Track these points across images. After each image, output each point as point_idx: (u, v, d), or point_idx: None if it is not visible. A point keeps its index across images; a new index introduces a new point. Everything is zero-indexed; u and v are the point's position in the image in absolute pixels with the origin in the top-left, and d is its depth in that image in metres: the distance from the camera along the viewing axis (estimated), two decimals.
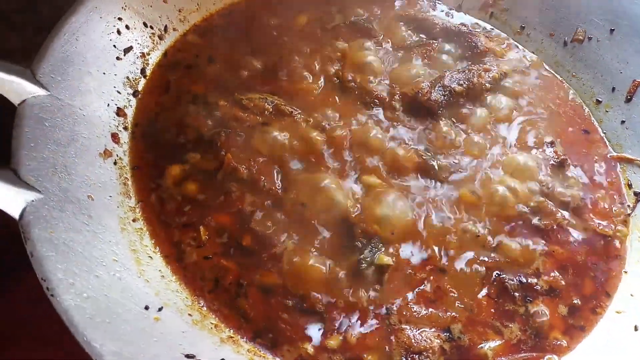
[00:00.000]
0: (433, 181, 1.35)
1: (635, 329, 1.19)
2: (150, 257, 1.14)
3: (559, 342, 1.18)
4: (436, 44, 1.64)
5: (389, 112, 1.46)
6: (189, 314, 1.08)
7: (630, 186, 1.46)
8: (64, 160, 1.12)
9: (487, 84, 1.56)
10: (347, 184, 1.30)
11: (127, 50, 1.41)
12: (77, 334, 0.88)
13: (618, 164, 1.51)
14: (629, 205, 1.42)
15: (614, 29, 1.61)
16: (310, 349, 1.09)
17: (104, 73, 1.33)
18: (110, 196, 1.18)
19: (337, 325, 1.12)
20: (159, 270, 1.13)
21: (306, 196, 1.27)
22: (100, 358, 0.86)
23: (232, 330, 1.09)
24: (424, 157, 1.37)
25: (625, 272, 1.31)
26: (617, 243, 1.35)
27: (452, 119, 1.48)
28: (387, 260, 1.19)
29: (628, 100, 1.55)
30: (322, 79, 1.50)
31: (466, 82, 1.54)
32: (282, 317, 1.12)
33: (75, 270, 0.96)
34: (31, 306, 1.08)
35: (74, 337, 0.88)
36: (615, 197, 1.44)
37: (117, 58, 1.38)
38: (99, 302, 0.95)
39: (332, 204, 1.25)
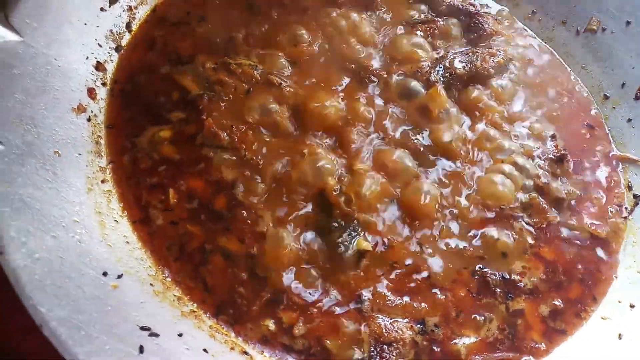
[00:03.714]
0: (422, 167, 1.27)
1: (619, 337, 1.14)
2: (116, 221, 1.09)
3: (537, 345, 1.13)
4: (441, 22, 1.55)
5: (383, 90, 1.38)
6: (151, 284, 1.03)
7: (630, 188, 1.39)
8: (32, 112, 1.06)
9: (491, 69, 1.48)
10: (331, 162, 1.23)
11: (113, 1, 1.33)
12: (23, 297, 0.82)
13: (620, 163, 1.43)
14: (626, 208, 1.36)
15: (630, 21, 1.52)
16: (271, 326, 1.04)
17: (86, 24, 1.26)
18: (80, 154, 1.12)
19: (302, 306, 1.07)
20: (124, 236, 1.08)
21: (287, 169, 1.21)
22: (45, 324, 0.81)
23: (195, 305, 1.04)
24: (414, 141, 1.30)
25: (616, 277, 1.25)
26: (610, 246, 1.29)
27: (450, 102, 1.39)
28: (367, 245, 1.13)
29: (637, 97, 1.47)
30: (317, 48, 1.42)
31: (469, 65, 1.46)
32: (238, 291, 1.07)
33: (30, 229, 0.90)
34: None
35: None
36: (613, 198, 1.37)
37: (102, 9, 1.31)
38: (52, 264, 0.89)
39: (313, 181, 1.19)
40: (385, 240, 1.17)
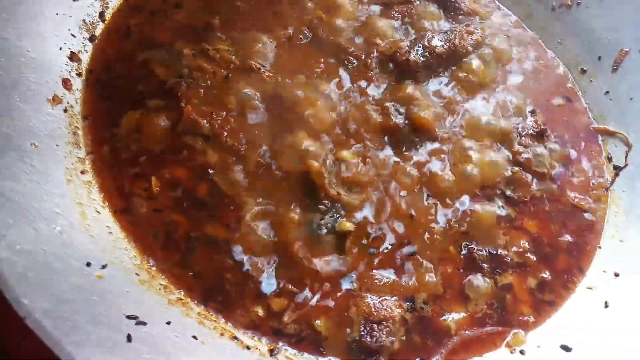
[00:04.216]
0: (402, 146, 1.27)
1: (606, 305, 1.15)
2: (97, 211, 1.07)
3: (526, 317, 1.13)
4: (418, 3, 1.55)
5: (362, 71, 1.38)
6: (136, 274, 1.01)
7: (610, 159, 1.40)
8: (7, 104, 1.04)
9: (469, 47, 1.48)
10: (313, 145, 1.22)
11: None
12: (5, 290, 0.80)
13: (599, 136, 1.45)
14: (607, 179, 1.37)
15: None
16: (261, 312, 1.04)
17: (58, 14, 1.23)
18: (57, 145, 1.10)
19: (289, 290, 1.07)
20: (107, 226, 1.06)
21: (270, 154, 1.20)
22: (29, 315, 0.79)
23: (182, 292, 1.03)
24: (395, 121, 1.30)
25: (600, 247, 1.26)
26: (593, 217, 1.30)
27: (429, 81, 1.40)
28: (349, 226, 1.13)
29: (614, 70, 1.48)
30: (295, 32, 1.41)
31: (447, 44, 1.46)
32: (226, 278, 1.06)
33: (10, 221, 0.89)
34: None
35: None
36: (594, 170, 1.38)
37: None
38: (34, 256, 0.87)
39: (296, 165, 1.19)
40: (371, 221, 1.17)
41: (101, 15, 1.33)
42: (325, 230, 1.13)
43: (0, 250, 0.84)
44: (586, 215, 1.30)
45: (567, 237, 1.25)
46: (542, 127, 1.39)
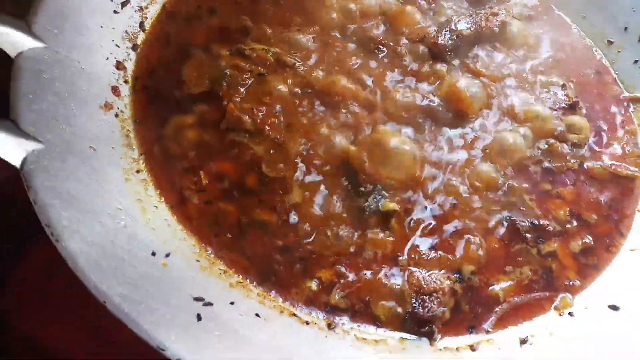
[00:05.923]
0: (441, 127, 1.32)
1: None
2: (155, 206, 1.13)
3: (571, 282, 1.16)
4: None
5: (394, 58, 1.43)
6: (197, 260, 1.07)
7: None
8: (65, 112, 1.10)
9: (495, 28, 1.51)
10: (352, 132, 1.27)
11: (124, 3, 1.38)
12: (84, 278, 0.87)
13: (631, 104, 1.46)
14: None
15: None
16: (314, 286, 1.09)
17: (102, 27, 1.30)
18: (113, 148, 1.16)
19: (339, 268, 1.12)
20: (165, 219, 1.12)
21: (310, 143, 1.25)
22: (108, 300, 0.86)
23: (240, 276, 1.09)
24: (431, 104, 1.34)
25: (639, 210, 1.28)
26: (630, 183, 1.32)
27: (460, 63, 1.43)
28: (393, 206, 1.17)
29: None
30: (324, 29, 1.46)
31: (474, 26, 1.49)
32: (275, 258, 1.12)
33: (80, 218, 0.95)
34: (47, 277, 1.13)
35: (89, 306, 0.87)
36: (628, 137, 1.40)
37: (115, 12, 1.35)
38: (105, 248, 0.94)
39: (335, 151, 1.24)
40: (414, 198, 1.21)
41: (141, 25, 1.40)
42: (369, 212, 1.17)
43: (75, 243, 0.91)
44: (623, 180, 1.32)
45: (607, 204, 1.28)
46: (573, 99, 1.41)
